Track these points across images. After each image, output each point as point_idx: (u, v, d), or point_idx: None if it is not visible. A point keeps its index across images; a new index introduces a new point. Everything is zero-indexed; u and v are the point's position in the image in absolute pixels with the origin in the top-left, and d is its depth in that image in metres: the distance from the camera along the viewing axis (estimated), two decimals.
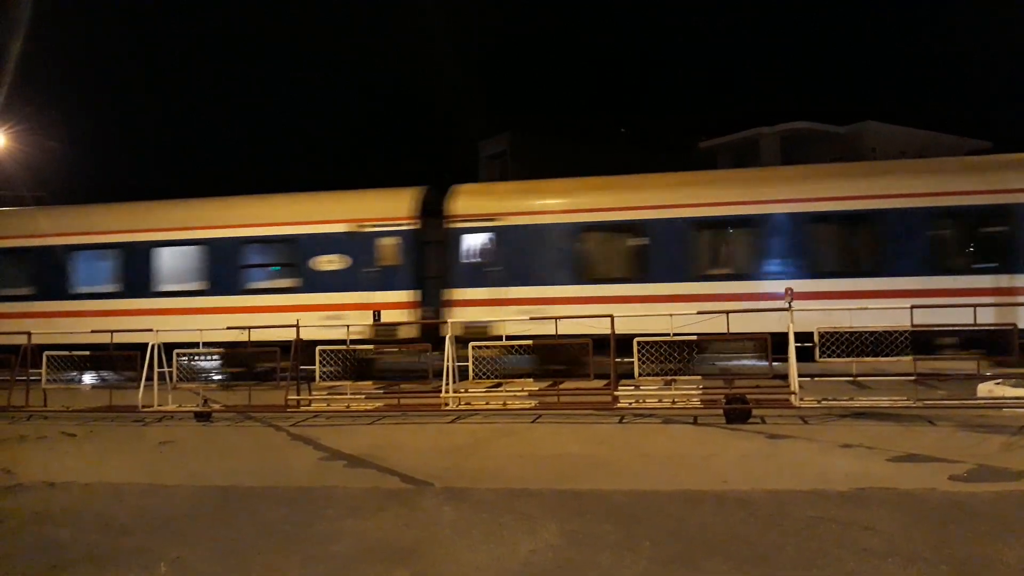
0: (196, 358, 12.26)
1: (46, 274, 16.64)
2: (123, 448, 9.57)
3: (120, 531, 5.87)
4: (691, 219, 14.18)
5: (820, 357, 10.13)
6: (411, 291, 15.04)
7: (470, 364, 11.07)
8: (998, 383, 10.42)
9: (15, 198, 25.58)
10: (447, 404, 11.04)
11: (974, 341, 11.91)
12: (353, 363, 11.56)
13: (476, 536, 5.44)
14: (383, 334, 14.11)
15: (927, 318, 10.61)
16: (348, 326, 12.30)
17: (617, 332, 10.84)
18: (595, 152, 38.76)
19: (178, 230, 16.22)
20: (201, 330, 12.71)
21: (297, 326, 11.86)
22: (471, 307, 14.58)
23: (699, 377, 11.19)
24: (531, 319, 12.86)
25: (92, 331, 13.06)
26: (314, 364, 11.41)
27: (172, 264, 16.21)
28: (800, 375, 10.21)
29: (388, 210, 15.32)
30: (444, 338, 11.38)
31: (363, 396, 11.71)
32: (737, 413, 9.66)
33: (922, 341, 10.63)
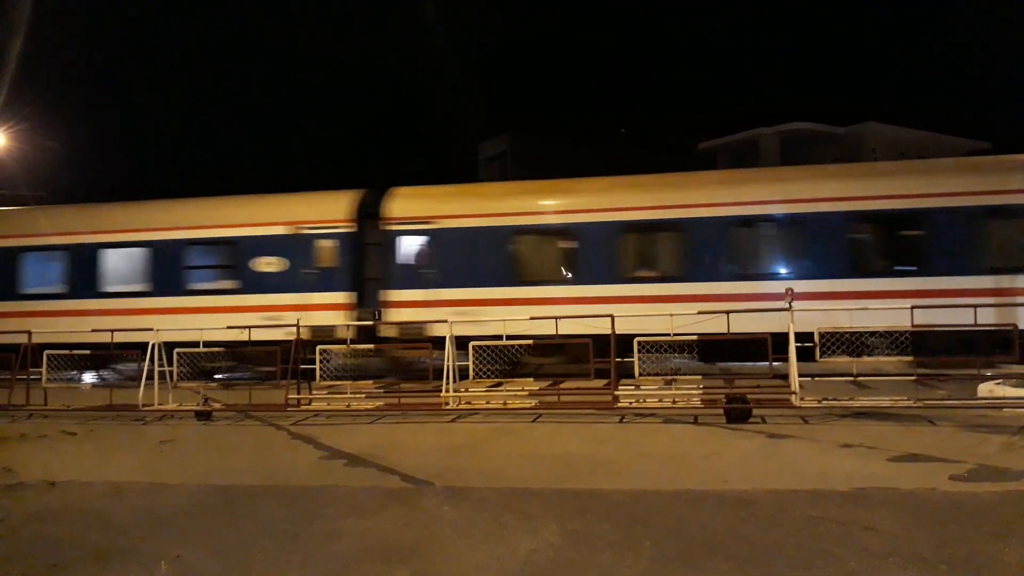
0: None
1: None
2: (123, 447, 9.57)
3: (120, 530, 5.87)
4: (618, 223, 14.47)
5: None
6: (347, 293, 15.33)
7: (458, 363, 11.16)
8: (998, 383, 10.42)
9: (15, 197, 25.59)
10: (447, 403, 11.04)
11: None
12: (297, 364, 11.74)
13: (476, 535, 5.43)
14: (320, 335, 14.29)
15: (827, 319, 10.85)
16: (313, 326, 12.69)
17: (552, 332, 11.24)
18: (595, 153, 38.77)
19: (123, 232, 16.50)
20: (163, 329, 12.79)
21: (297, 325, 11.87)
22: (407, 308, 14.90)
23: (699, 377, 11.19)
24: (471, 321, 13.02)
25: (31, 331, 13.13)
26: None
27: (117, 266, 16.49)
28: (801, 375, 10.21)
29: (326, 213, 15.61)
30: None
31: (363, 395, 11.71)
32: (737, 413, 9.66)
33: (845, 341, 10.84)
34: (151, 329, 12.19)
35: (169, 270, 16.04)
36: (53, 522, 6.15)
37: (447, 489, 6.77)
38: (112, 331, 12.61)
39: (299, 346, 11.61)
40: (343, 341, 12.78)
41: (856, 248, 13.91)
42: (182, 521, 6.06)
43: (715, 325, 10.85)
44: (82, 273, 16.43)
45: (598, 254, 14.45)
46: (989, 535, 5.10)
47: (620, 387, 10.71)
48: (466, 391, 11.38)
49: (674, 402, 10.50)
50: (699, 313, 11.12)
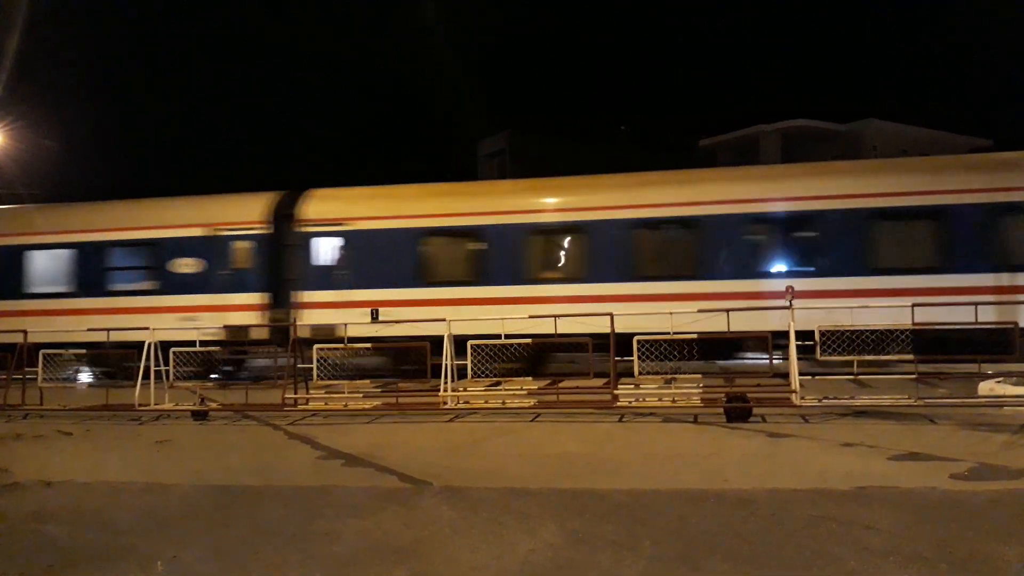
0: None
1: None
2: (120, 447, 9.53)
3: (117, 530, 5.83)
4: (525, 225, 14.70)
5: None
6: (262, 293, 15.53)
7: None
8: (999, 381, 10.42)
9: (12, 196, 25.54)
10: (445, 403, 11.00)
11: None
12: (206, 363, 12.14)
13: (475, 535, 5.40)
14: (234, 335, 14.60)
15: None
16: (228, 326, 13.00)
17: (458, 333, 11.45)
18: (595, 151, 38.72)
19: (49, 234, 16.70)
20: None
21: (294, 324, 11.84)
22: (320, 309, 15.11)
23: (699, 376, 11.17)
24: (386, 322, 13.50)
25: None
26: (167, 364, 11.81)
27: (43, 267, 16.68)
28: (802, 374, 10.19)
29: (243, 214, 15.84)
30: (293, 339, 11.69)
31: (361, 395, 11.69)
32: (738, 412, 9.63)
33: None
34: (74, 331, 12.59)
35: (92, 271, 16.30)
36: (49, 522, 6.11)
37: (445, 489, 6.73)
38: (25, 332, 12.68)
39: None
40: (259, 342, 13.03)
41: (753, 249, 14.18)
42: (179, 521, 6.02)
43: (659, 323, 11.16)
44: (7, 275, 16.70)
45: (506, 256, 14.68)
46: (989, 534, 5.07)
47: (620, 386, 10.68)
48: (464, 390, 11.35)
49: (674, 401, 10.47)
50: (698, 312, 11.21)
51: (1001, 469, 6.83)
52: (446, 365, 11.03)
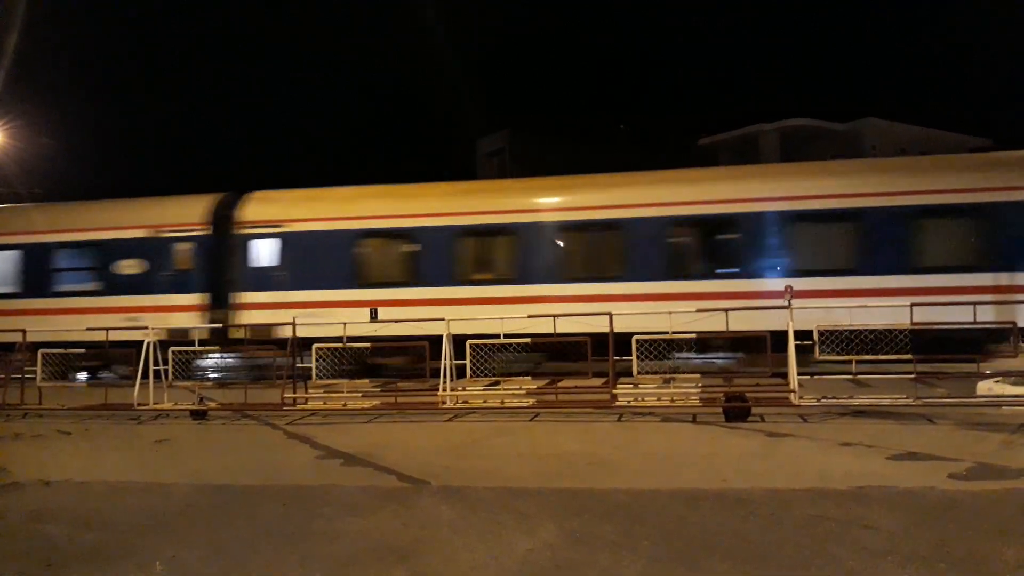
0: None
1: None
2: (119, 446, 9.52)
3: (115, 529, 5.83)
4: (455, 227, 14.89)
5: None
6: (202, 294, 15.76)
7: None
8: (997, 381, 10.42)
9: (12, 195, 25.52)
10: (444, 402, 11.00)
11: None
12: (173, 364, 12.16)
13: (473, 535, 5.40)
14: (176, 336, 14.68)
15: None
16: (170, 327, 13.76)
17: (395, 334, 11.81)
18: (594, 150, 38.69)
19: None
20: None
21: (294, 324, 11.83)
22: (257, 310, 15.34)
23: (698, 375, 11.17)
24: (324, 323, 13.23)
25: None
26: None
27: None
28: (800, 374, 10.19)
29: (183, 217, 16.10)
30: (234, 339, 11.74)
31: (360, 394, 11.68)
32: (736, 411, 9.63)
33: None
34: (21, 330, 12.73)
35: (39, 272, 16.50)
36: (48, 522, 6.11)
37: (444, 488, 6.73)
38: None
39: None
40: (206, 342, 13.25)
41: (675, 252, 14.36)
42: (178, 521, 6.02)
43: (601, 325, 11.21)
44: None
45: (437, 257, 14.89)
46: (988, 533, 5.08)
47: (618, 386, 10.68)
48: (463, 390, 11.35)
49: (672, 401, 10.48)
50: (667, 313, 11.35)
51: (1000, 469, 6.84)
52: (445, 365, 11.03)
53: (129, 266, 15.97)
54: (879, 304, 11.40)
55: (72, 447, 9.50)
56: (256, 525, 5.84)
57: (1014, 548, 4.81)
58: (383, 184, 16.33)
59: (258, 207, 15.91)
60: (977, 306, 10.84)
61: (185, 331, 14.81)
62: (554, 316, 11.71)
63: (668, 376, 10.78)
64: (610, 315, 10.88)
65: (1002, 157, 14.38)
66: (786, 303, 10.66)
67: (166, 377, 11.84)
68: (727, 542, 5.07)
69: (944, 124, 43.54)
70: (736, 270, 13.94)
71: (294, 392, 11.50)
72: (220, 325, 14.85)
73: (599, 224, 14.54)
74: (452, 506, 6.14)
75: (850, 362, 10.26)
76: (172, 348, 12.02)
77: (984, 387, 10.40)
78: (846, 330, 10.26)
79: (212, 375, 14.51)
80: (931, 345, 10.42)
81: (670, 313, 11.08)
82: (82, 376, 14.62)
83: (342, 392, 11.57)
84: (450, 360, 11.10)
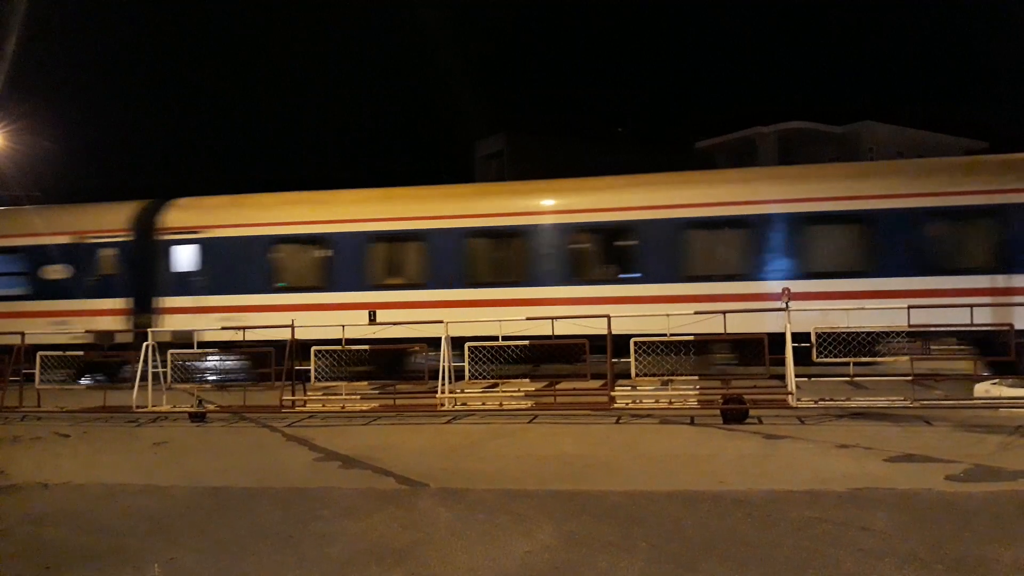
0: None
1: None
2: (117, 449, 9.52)
3: (114, 532, 5.84)
4: (367, 233, 15.18)
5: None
6: (125, 299, 16.02)
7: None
8: (995, 383, 10.45)
9: (12, 198, 25.50)
10: (443, 405, 11.01)
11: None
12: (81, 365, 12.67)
13: (472, 537, 5.41)
14: (100, 340, 15.10)
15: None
16: (96, 331, 14.38)
17: (308, 337, 11.92)
18: (593, 152, 38.73)
19: None
20: None
21: (292, 326, 11.84)
22: (179, 314, 15.67)
23: (696, 377, 11.19)
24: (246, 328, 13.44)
25: None
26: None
27: None
28: (797, 375, 10.20)
29: (108, 223, 16.41)
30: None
31: (358, 397, 11.68)
32: (734, 413, 9.64)
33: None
34: (20, 332, 12.90)
35: None
36: (46, 524, 6.12)
37: (442, 491, 6.74)
38: None
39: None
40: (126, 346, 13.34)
41: (576, 257, 14.58)
42: (176, 523, 6.03)
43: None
44: None
45: (350, 262, 15.11)
46: (985, 535, 5.10)
47: (616, 388, 10.69)
48: (462, 392, 11.36)
49: (670, 403, 10.49)
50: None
51: (997, 471, 6.85)
52: (443, 367, 11.04)
53: (56, 271, 16.31)
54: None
55: (70, 450, 9.50)
56: (255, 527, 5.85)
57: (1011, 549, 4.82)
58: (298, 191, 16.72)
59: (179, 213, 16.27)
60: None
61: (111, 335, 15.29)
62: (500, 320, 11.81)
63: (666, 378, 10.79)
64: (608, 317, 10.89)
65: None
66: (783, 305, 10.65)
67: (164, 380, 11.84)
68: (725, 544, 5.08)
69: (941, 125, 43.63)
70: (637, 275, 14.30)
71: (293, 394, 11.51)
72: (147, 329, 15.22)
73: (506, 231, 14.84)
74: (450, 508, 6.15)
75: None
76: (171, 351, 12.04)
77: (981, 389, 10.43)
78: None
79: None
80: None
81: (668, 315, 11.15)
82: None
83: (341, 395, 11.58)
84: (449, 362, 11.12)
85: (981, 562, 4.64)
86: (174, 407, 11.67)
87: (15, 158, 27.81)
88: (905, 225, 13.21)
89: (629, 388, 10.90)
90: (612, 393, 10.55)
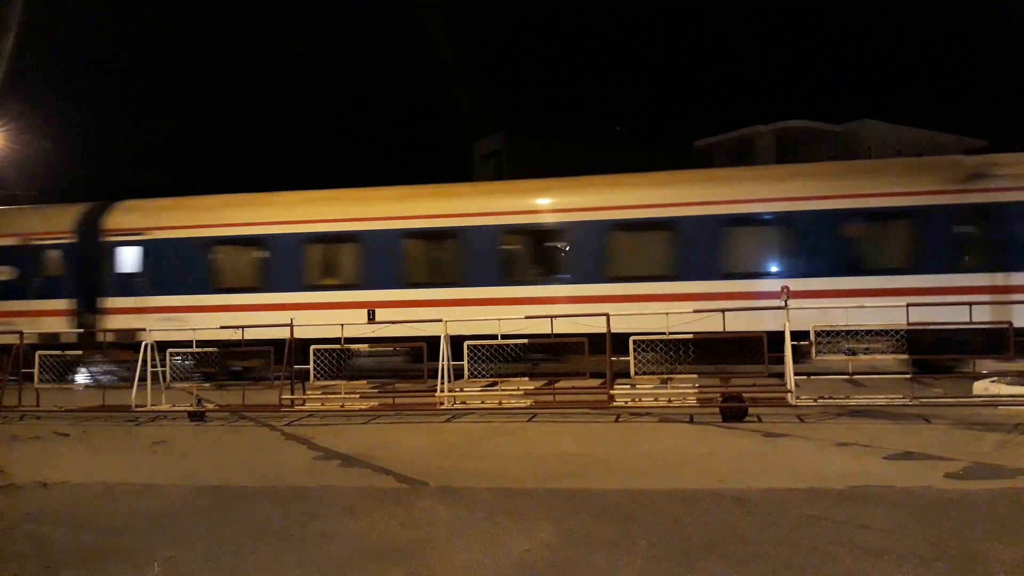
0: None
1: None
2: (116, 448, 9.51)
3: (113, 531, 5.83)
4: (302, 235, 15.54)
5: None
6: (70, 300, 16.34)
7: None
8: (993, 381, 10.45)
9: (9, 197, 25.48)
10: (442, 403, 11.01)
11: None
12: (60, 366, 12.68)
13: (471, 536, 5.41)
14: (46, 340, 15.21)
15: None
16: (41, 332, 14.82)
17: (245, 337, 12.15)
18: (591, 151, 38.72)
19: None
20: None
21: (291, 325, 11.84)
22: (121, 315, 15.98)
23: (695, 376, 11.19)
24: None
25: None
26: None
27: None
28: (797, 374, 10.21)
29: (52, 225, 16.75)
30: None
31: (357, 395, 11.68)
32: (733, 411, 9.64)
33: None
34: (19, 331, 13.01)
35: None
36: (46, 523, 6.11)
37: (442, 489, 6.74)
38: None
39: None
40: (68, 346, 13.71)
41: (506, 258, 14.97)
42: (175, 522, 6.03)
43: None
44: None
45: (285, 264, 15.49)
46: (984, 532, 5.10)
47: (616, 386, 10.69)
48: (461, 391, 11.36)
49: (670, 401, 10.49)
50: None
51: (996, 468, 6.86)
52: (442, 366, 11.04)
53: (2, 272, 16.60)
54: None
55: (70, 449, 9.49)
56: (254, 526, 5.84)
57: (1010, 547, 4.83)
58: (238, 194, 16.98)
59: (122, 216, 16.54)
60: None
61: (56, 335, 15.50)
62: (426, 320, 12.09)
63: (665, 377, 10.79)
64: (607, 316, 10.88)
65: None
66: (782, 304, 10.66)
67: (164, 379, 11.84)
68: (724, 542, 5.08)
69: (940, 124, 43.66)
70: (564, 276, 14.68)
71: (292, 393, 11.50)
72: (92, 330, 15.54)
73: (435, 232, 15.18)
74: (450, 507, 6.15)
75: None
76: (170, 350, 12.03)
77: (980, 387, 10.43)
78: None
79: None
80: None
81: (667, 314, 11.15)
82: None
83: (340, 393, 11.58)
84: (448, 361, 11.11)
85: (980, 559, 4.64)
86: (173, 406, 11.66)
87: (14, 158, 27.77)
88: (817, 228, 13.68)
89: (628, 387, 10.90)
90: (611, 392, 10.55)
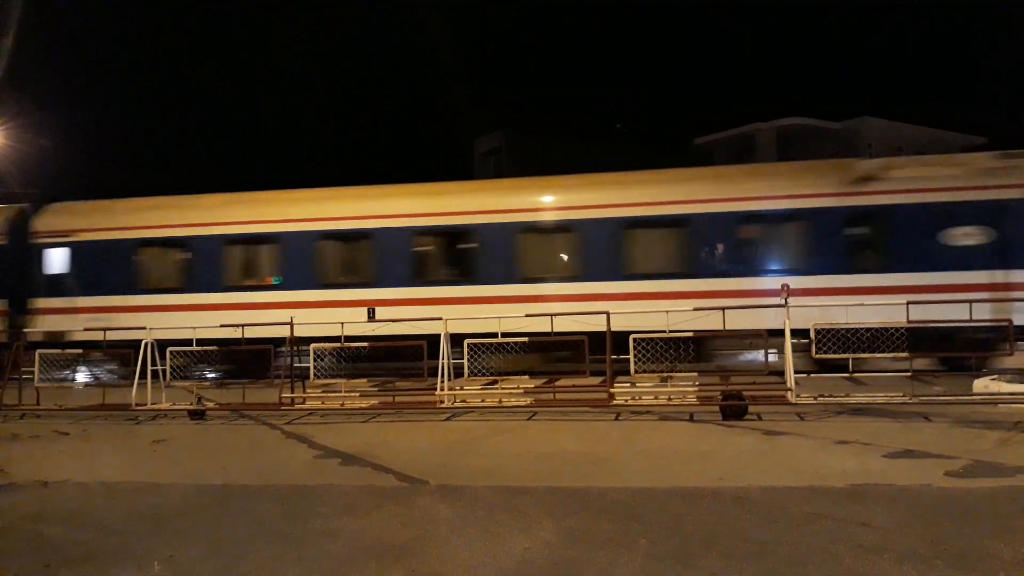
0: None
1: None
2: (117, 446, 9.51)
3: (113, 530, 5.83)
4: (222, 236, 15.94)
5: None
6: (1, 300, 16.62)
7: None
8: (993, 379, 10.46)
9: (8, 196, 25.44)
10: (442, 402, 11.01)
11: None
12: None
13: (471, 534, 5.41)
14: None
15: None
16: None
17: (172, 337, 12.30)
18: (591, 149, 38.70)
19: None
20: None
21: (291, 324, 11.84)
22: (52, 315, 16.29)
23: (695, 374, 11.19)
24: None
25: None
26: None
27: None
28: (797, 372, 10.21)
29: None
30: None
31: (358, 394, 11.68)
32: (733, 410, 9.64)
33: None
34: (20, 331, 13.37)
35: None
36: (46, 522, 6.11)
37: (442, 487, 6.74)
38: None
39: None
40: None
41: (424, 260, 15.41)
42: (175, 521, 6.02)
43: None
44: None
45: (209, 265, 15.91)
46: (984, 531, 5.10)
47: (616, 384, 10.69)
48: (461, 389, 11.36)
49: (670, 399, 10.49)
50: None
51: (996, 466, 6.86)
52: (443, 364, 11.04)
53: None
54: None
55: (70, 448, 9.49)
56: (254, 525, 5.84)
57: (1010, 545, 4.83)
58: (163, 196, 17.19)
59: (52, 218, 16.80)
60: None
61: None
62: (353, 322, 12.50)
63: (665, 375, 10.79)
64: (607, 314, 10.88)
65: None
66: (782, 301, 10.65)
67: (164, 377, 11.84)
68: (724, 540, 5.08)
69: (940, 122, 43.63)
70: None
71: (292, 392, 11.50)
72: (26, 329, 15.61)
73: (352, 234, 15.45)
74: (450, 505, 6.15)
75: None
76: (170, 348, 12.04)
77: (980, 385, 10.44)
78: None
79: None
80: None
81: (673, 313, 11.15)
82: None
83: (340, 392, 11.58)
84: (447, 360, 11.11)
85: (981, 558, 4.64)
86: (173, 405, 11.66)
87: (13, 156, 27.75)
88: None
89: (629, 385, 10.91)
90: (611, 390, 10.55)
